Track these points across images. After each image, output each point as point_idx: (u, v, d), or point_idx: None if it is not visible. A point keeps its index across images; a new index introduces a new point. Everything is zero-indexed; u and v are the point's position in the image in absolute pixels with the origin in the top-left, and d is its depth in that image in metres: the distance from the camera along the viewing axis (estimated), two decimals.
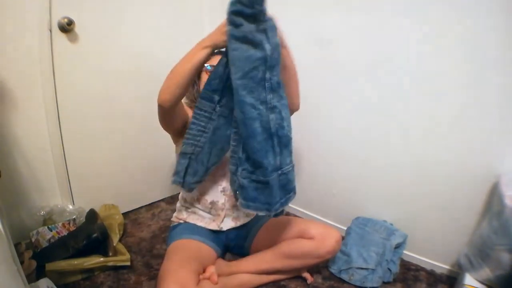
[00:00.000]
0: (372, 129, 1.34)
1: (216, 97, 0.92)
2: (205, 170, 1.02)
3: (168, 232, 1.23)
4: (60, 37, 1.20)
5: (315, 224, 1.13)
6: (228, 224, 1.18)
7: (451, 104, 1.13)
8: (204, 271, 1.04)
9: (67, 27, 1.18)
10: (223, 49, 0.87)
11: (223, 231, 1.17)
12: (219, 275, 1.04)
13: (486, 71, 1.04)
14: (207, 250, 1.10)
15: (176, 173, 1.01)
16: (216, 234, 1.16)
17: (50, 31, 1.16)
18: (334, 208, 1.55)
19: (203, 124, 0.95)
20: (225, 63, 0.86)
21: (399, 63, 1.21)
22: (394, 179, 1.33)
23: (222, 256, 1.22)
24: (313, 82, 1.41)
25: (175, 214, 1.23)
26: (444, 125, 1.16)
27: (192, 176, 1.01)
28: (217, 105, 0.93)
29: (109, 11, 1.31)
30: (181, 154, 0.99)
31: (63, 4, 1.17)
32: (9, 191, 1.18)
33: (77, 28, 1.22)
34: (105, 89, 1.39)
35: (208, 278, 1.02)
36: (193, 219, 1.17)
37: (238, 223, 1.19)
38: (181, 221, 1.19)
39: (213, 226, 1.17)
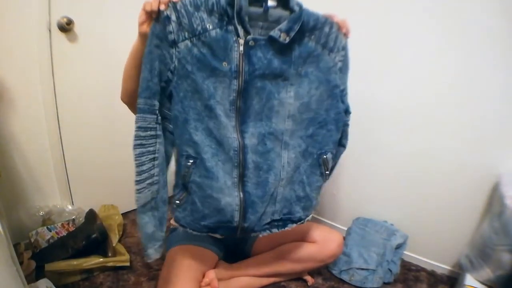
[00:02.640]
0: (372, 129, 1.34)
1: (156, 103, 0.73)
2: (166, 210, 0.83)
3: (167, 234, 1.22)
4: (59, 36, 1.19)
5: (317, 227, 1.11)
6: None
7: (451, 105, 1.13)
8: (204, 276, 1.02)
9: (66, 27, 1.17)
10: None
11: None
12: (219, 280, 1.02)
13: (487, 71, 1.04)
14: (207, 254, 1.07)
15: (147, 243, 0.78)
16: (216, 238, 1.14)
17: (50, 30, 1.16)
18: (335, 208, 1.55)
19: (152, 148, 0.74)
20: (160, 53, 0.71)
21: (399, 65, 1.21)
22: (395, 179, 1.33)
23: (223, 258, 1.21)
24: None
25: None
26: (445, 126, 1.16)
27: (161, 226, 0.81)
28: (158, 115, 0.74)
29: (108, 11, 1.30)
30: (141, 211, 0.76)
31: (63, 4, 1.17)
32: (8, 192, 1.18)
33: (77, 28, 1.22)
34: (105, 89, 1.38)
35: (209, 284, 0.99)
36: None
37: None
38: None
39: None
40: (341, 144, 0.95)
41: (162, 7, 0.67)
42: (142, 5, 0.70)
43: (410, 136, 1.25)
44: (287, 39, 0.71)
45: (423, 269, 1.30)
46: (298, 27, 0.71)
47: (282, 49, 0.73)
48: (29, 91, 1.18)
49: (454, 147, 1.15)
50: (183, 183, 0.81)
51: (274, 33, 0.70)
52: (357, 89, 1.33)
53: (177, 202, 0.84)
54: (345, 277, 1.20)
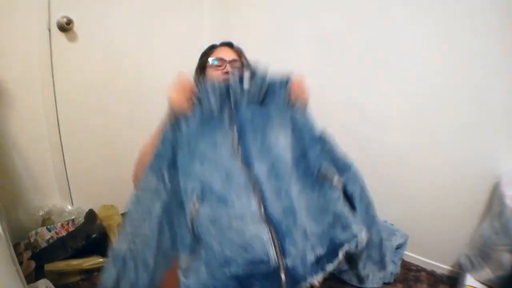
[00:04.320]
0: (371, 130, 1.34)
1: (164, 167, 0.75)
2: (150, 280, 0.67)
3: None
4: (59, 36, 1.19)
5: None
6: None
7: (451, 105, 1.13)
8: None
9: (66, 27, 1.18)
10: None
11: None
12: None
13: (487, 72, 1.04)
14: None
15: None
16: None
17: (49, 30, 1.16)
18: None
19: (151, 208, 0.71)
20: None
21: (398, 65, 1.21)
22: (395, 179, 1.33)
23: None
24: (314, 81, 1.40)
25: None
26: (445, 126, 1.16)
27: None
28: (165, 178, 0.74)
29: (108, 11, 1.30)
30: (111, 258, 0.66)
31: (62, 4, 1.17)
32: (8, 192, 1.18)
33: (76, 28, 1.22)
34: (104, 89, 1.38)
35: None
36: None
37: None
38: None
39: None
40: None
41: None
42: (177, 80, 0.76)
43: (410, 136, 1.24)
44: (259, 100, 0.83)
45: (423, 269, 1.30)
46: (264, 91, 0.83)
47: (261, 108, 0.83)
48: (29, 91, 1.18)
49: (454, 147, 1.15)
50: (191, 235, 0.68)
51: (249, 98, 0.82)
52: (351, 91, 1.34)
53: (186, 266, 0.66)
54: (345, 277, 1.20)
